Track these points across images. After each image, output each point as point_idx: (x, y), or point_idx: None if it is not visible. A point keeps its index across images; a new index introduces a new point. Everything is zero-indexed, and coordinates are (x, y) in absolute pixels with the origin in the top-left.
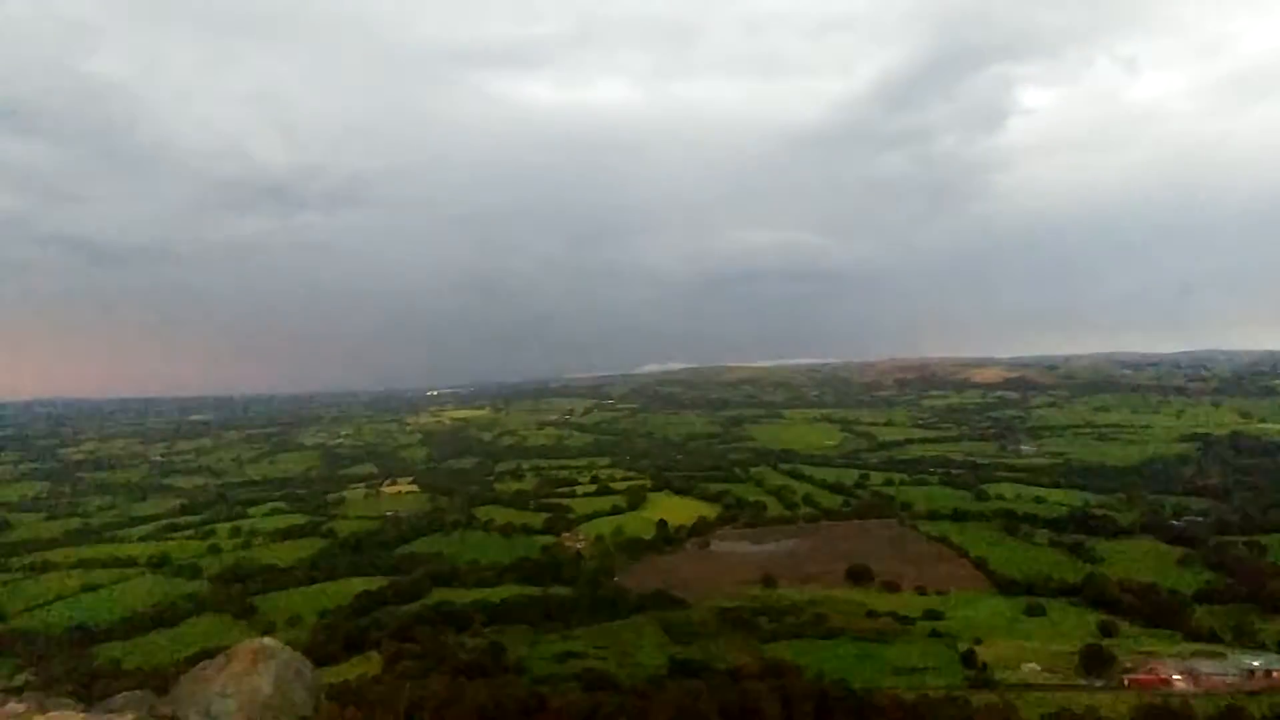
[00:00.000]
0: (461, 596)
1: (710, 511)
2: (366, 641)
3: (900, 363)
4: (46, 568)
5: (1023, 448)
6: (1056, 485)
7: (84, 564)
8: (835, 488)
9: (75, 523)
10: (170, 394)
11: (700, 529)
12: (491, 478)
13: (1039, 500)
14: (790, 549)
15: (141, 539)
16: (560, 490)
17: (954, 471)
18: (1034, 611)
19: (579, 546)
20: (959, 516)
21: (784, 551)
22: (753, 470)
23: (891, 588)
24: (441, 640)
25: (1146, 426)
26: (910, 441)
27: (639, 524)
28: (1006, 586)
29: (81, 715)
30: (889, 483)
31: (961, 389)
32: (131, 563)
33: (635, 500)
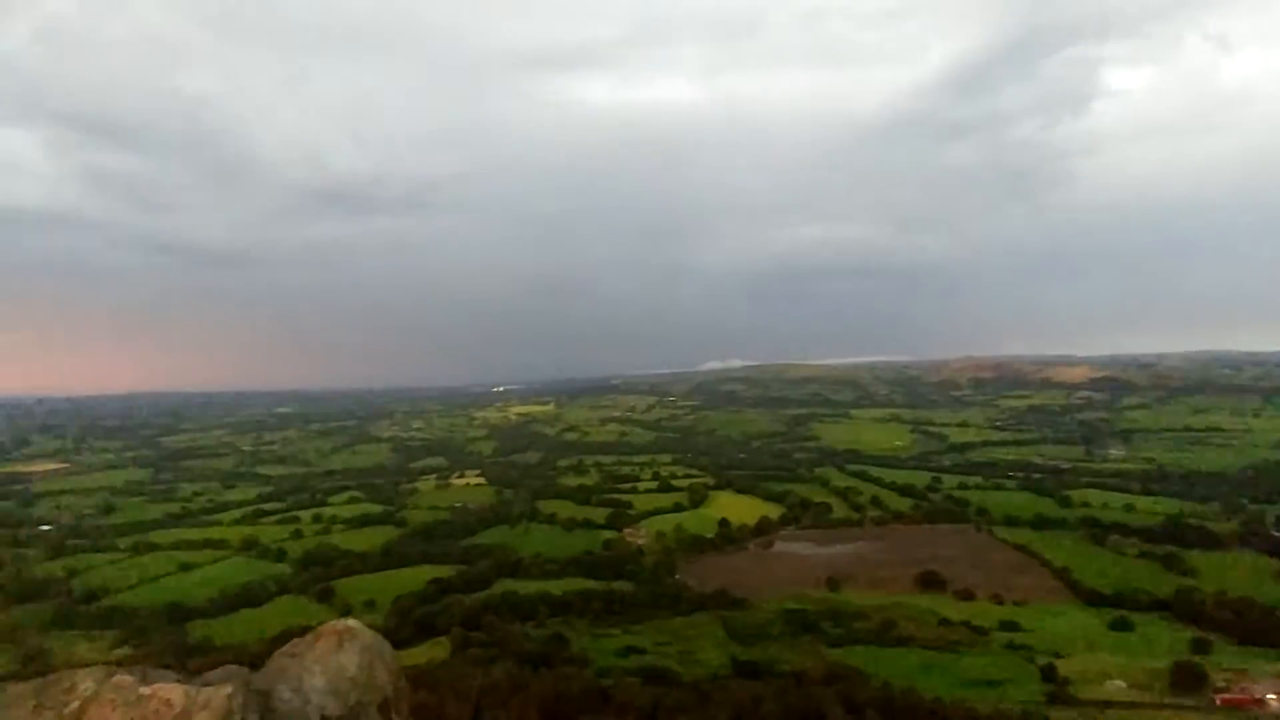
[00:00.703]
0: (525, 587)
1: (773, 511)
2: (436, 627)
3: (976, 361)
4: (148, 548)
5: (1111, 452)
6: (1148, 492)
7: (181, 545)
8: (905, 490)
9: (174, 506)
10: (259, 388)
11: (763, 529)
12: (554, 472)
13: (1128, 508)
14: (856, 552)
15: (233, 523)
16: (622, 486)
17: (1035, 476)
18: (1121, 626)
19: (640, 542)
20: (1040, 524)
21: (850, 554)
22: (817, 470)
23: (965, 596)
24: (507, 629)
25: (1248, 430)
26: (987, 444)
27: (700, 522)
28: (1091, 599)
29: (183, 687)
30: (963, 486)
31: (1043, 389)
32: (223, 545)
33: (697, 498)
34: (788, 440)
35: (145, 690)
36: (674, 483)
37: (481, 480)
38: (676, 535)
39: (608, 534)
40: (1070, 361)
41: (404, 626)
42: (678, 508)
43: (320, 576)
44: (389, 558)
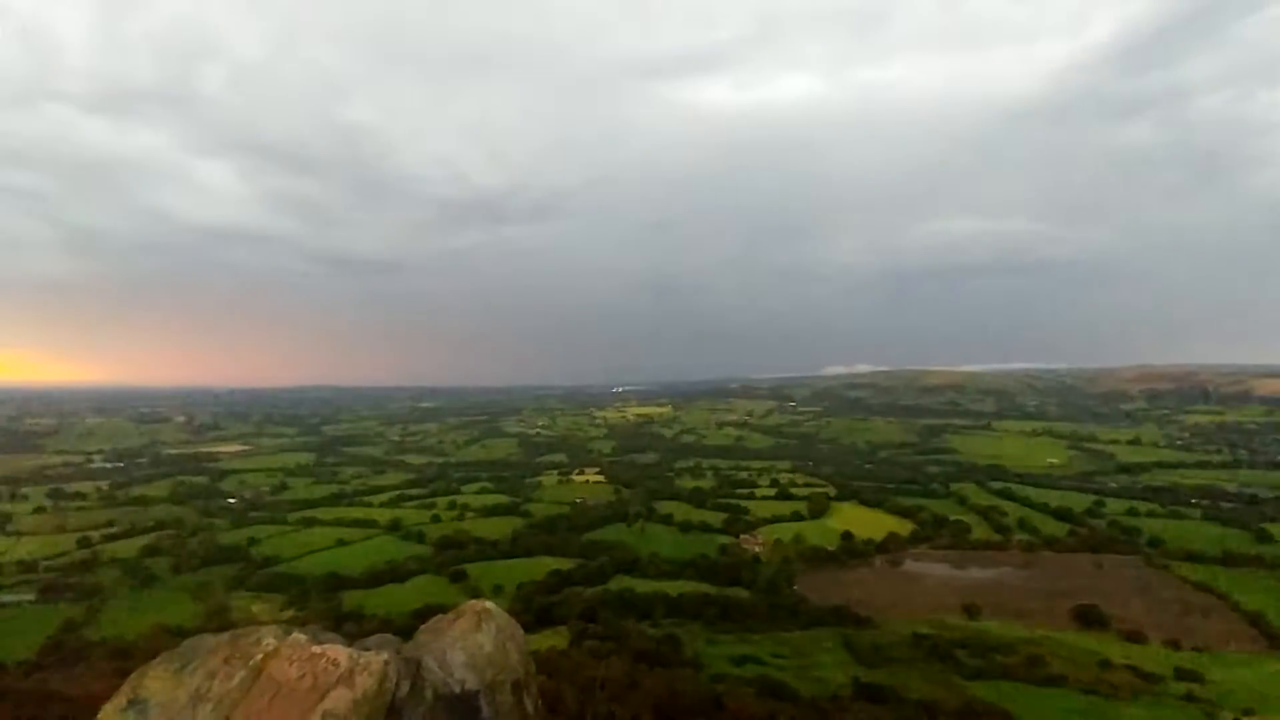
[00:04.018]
0: (641, 586)
1: (902, 527)
2: (556, 617)
3: (1152, 370)
4: (311, 523)
5: None
6: None
7: (339, 522)
8: (1060, 513)
9: (334, 488)
10: (404, 384)
11: (890, 545)
12: (671, 474)
13: None
14: (999, 578)
15: (381, 505)
16: (739, 491)
17: (1224, 504)
18: None
19: (757, 550)
20: (1229, 560)
21: (991, 580)
22: (954, 486)
23: (1133, 637)
24: (623, 625)
25: None
26: (1163, 465)
27: (821, 533)
28: None
29: (347, 649)
30: (1132, 513)
31: (1238, 403)
32: (373, 524)
33: (817, 508)
34: (920, 452)
35: (317, 649)
36: (793, 491)
37: (601, 478)
38: (796, 545)
39: (723, 539)
40: (1275, 372)
41: (526, 613)
42: (796, 517)
43: (454, 559)
44: (515, 546)
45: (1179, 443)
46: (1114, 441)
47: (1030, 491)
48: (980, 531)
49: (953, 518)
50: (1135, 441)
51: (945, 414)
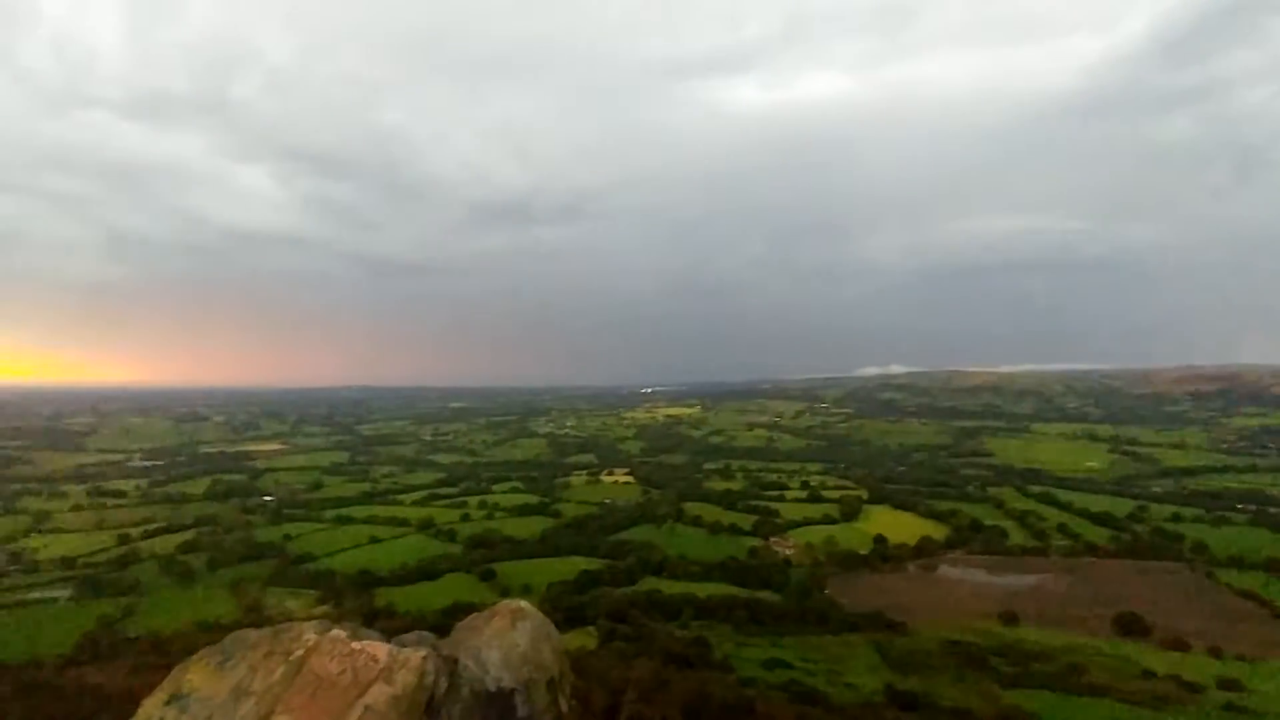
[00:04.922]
0: (670, 587)
1: (937, 532)
2: (584, 617)
3: (1197, 371)
4: (345, 521)
5: None
6: None
7: (372, 520)
8: (1101, 519)
9: (367, 486)
10: (435, 383)
11: (925, 550)
12: (700, 475)
13: None
14: (1037, 584)
15: (413, 503)
16: (769, 494)
17: (1273, 510)
18: None
19: (787, 553)
20: (1276, 567)
21: (1029, 586)
22: (991, 490)
23: (1175, 646)
24: (652, 627)
25: None
26: (1209, 469)
27: (853, 536)
28: None
29: (386, 645)
30: (1176, 518)
31: None
32: (405, 523)
33: (849, 511)
34: (955, 454)
35: (357, 645)
36: (824, 493)
37: (630, 479)
38: (827, 548)
39: (753, 541)
40: None
41: (555, 613)
42: (828, 520)
43: (484, 558)
44: (544, 546)
45: (1224, 446)
46: (1157, 445)
47: (1070, 496)
48: (1018, 537)
49: (989, 522)
50: (1179, 445)
51: (982, 415)
